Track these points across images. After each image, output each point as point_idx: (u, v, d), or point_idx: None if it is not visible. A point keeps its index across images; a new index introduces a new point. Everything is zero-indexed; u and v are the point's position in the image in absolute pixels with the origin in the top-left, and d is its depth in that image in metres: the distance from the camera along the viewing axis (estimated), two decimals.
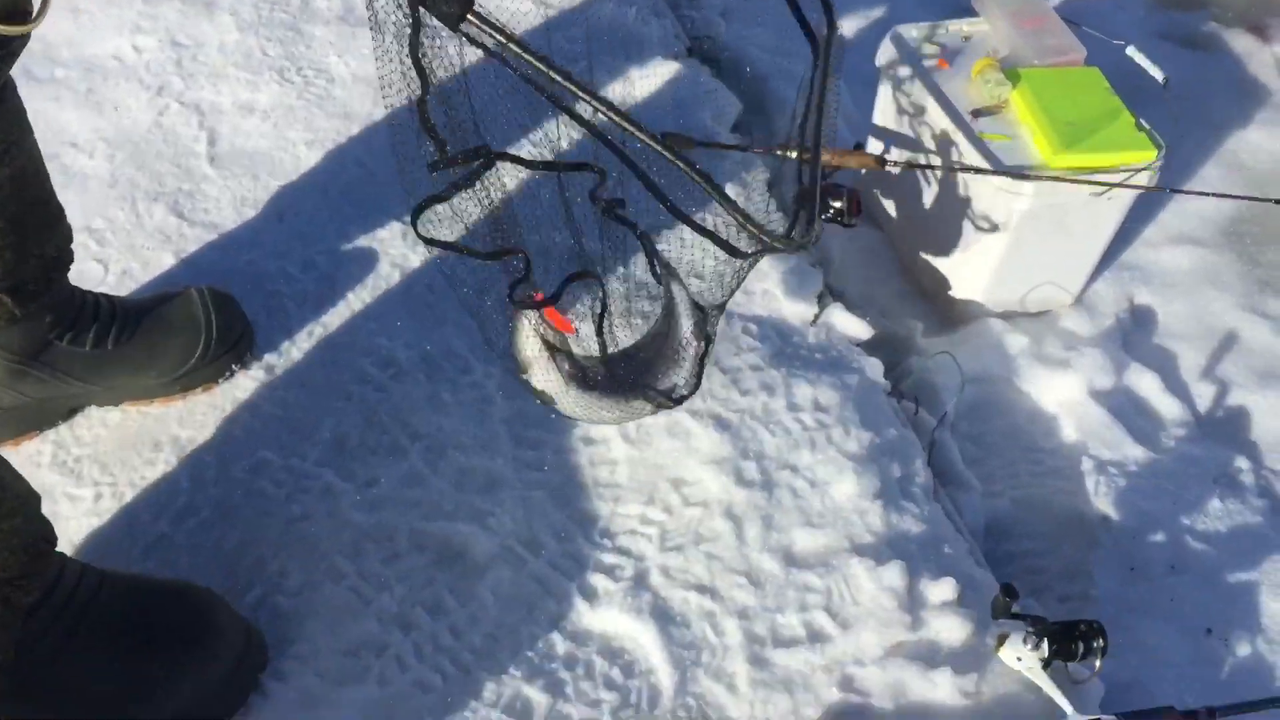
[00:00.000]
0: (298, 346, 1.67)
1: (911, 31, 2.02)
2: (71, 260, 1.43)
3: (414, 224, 1.10)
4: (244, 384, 1.61)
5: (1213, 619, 1.56)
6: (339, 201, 1.91)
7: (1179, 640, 1.54)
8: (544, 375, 1.18)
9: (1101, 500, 1.70)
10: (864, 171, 1.81)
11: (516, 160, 1.26)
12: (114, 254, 1.79)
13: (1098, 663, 1.32)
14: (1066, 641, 1.31)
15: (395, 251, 1.82)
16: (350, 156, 1.99)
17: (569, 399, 1.18)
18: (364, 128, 2.04)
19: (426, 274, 1.78)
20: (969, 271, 1.95)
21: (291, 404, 1.59)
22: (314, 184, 1.94)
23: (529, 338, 1.18)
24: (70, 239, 1.42)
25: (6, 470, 1.14)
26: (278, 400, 1.60)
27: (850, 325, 1.77)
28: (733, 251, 1.10)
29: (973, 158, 1.80)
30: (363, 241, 1.84)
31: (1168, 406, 1.87)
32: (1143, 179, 1.81)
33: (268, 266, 1.79)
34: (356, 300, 1.74)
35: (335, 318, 1.71)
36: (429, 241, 1.13)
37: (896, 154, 2.04)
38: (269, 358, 1.65)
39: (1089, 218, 1.88)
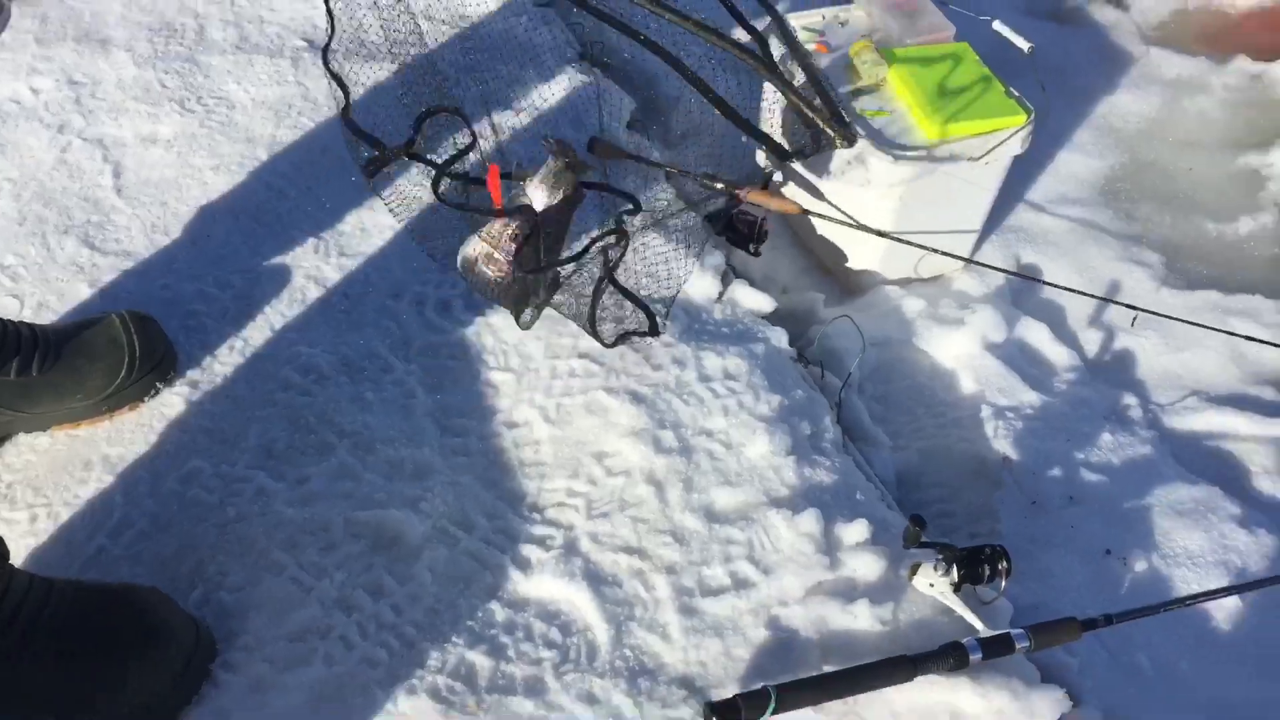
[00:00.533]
0: (220, 361, 1.71)
1: (791, 21, 2.12)
2: None
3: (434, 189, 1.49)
4: (170, 401, 1.65)
5: (1111, 541, 1.66)
6: (249, 222, 1.95)
7: (1079, 563, 1.63)
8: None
9: (1002, 443, 1.80)
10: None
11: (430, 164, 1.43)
12: (28, 289, 1.81)
13: (1003, 583, 1.41)
14: (973, 565, 1.40)
15: (309, 264, 1.86)
16: (257, 178, 2.03)
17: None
18: (268, 149, 2.08)
19: (341, 284, 1.83)
20: (864, 244, 2.05)
21: (218, 415, 1.63)
22: (223, 207, 1.98)
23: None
24: None
25: None
26: (205, 413, 1.63)
27: (754, 300, 1.86)
28: (783, 154, 1.33)
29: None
30: (276, 258, 1.88)
31: (1058, 354, 1.98)
32: (1016, 141, 1.93)
33: (184, 289, 1.82)
34: (274, 314, 1.78)
35: (255, 332, 1.75)
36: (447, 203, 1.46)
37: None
38: (192, 374, 1.69)
39: (970, 183, 1.99)
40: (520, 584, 1.43)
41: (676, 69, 1.41)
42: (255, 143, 2.10)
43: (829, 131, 1.32)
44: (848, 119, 1.39)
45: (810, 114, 1.30)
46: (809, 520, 1.48)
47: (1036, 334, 2.01)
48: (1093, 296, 1.94)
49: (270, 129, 2.12)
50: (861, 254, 2.07)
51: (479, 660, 1.34)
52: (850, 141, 1.38)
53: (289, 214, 1.96)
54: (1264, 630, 1.56)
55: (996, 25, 2.07)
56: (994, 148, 1.90)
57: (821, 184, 2.04)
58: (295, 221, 1.95)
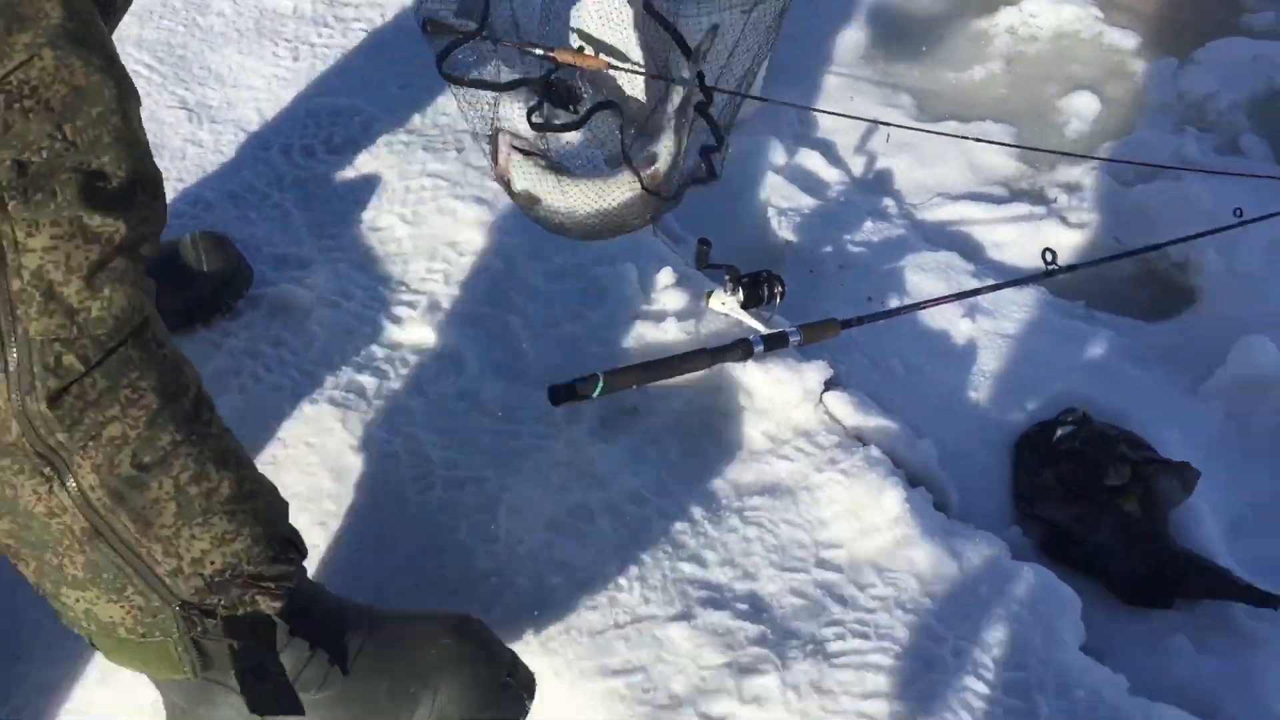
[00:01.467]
0: None
1: None
2: None
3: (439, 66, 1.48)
4: None
5: (872, 291, 2.08)
6: (153, 105, 2.20)
7: (848, 307, 2.02)
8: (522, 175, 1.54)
9: (785, 232, 2.20)
10: None
11: None
12: None
13: (778, 302, 1.79)
14: (755, 289, 1.78)
15: (185, 131, 2.15)
16: (128, 67, 2.27)
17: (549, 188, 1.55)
18: (136, 46, 2.35)
19: (214, 144, 2.12)
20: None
21: None
22: None
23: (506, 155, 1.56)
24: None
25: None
26: None
27: (572, 136, 2.21)
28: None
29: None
30: (153, 129, 2.14)
31: (830, 174, 2.40)
32: (777, 4, 2.33)
33: None
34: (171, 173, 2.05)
35: None
36: (459, 81, 1.52)
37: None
38: None
39: (746, 36, 2.38)
40: (395, 333, 1.75)
41: None
42: (123, 41, 2.34)
43: None
44: None
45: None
46: (628, 269, 1.84)
47: (813, 160, 2.42)
48: (858, 119, 2.35)
49: (136, 30, 2.38)
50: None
51: (366, 380, 1.67)
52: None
53: (159, 94, 2.23)
54: (980, 339, 2.00)
55: None
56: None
57: (619, 41, 2.41)
58: (165, 100, 2.22)
